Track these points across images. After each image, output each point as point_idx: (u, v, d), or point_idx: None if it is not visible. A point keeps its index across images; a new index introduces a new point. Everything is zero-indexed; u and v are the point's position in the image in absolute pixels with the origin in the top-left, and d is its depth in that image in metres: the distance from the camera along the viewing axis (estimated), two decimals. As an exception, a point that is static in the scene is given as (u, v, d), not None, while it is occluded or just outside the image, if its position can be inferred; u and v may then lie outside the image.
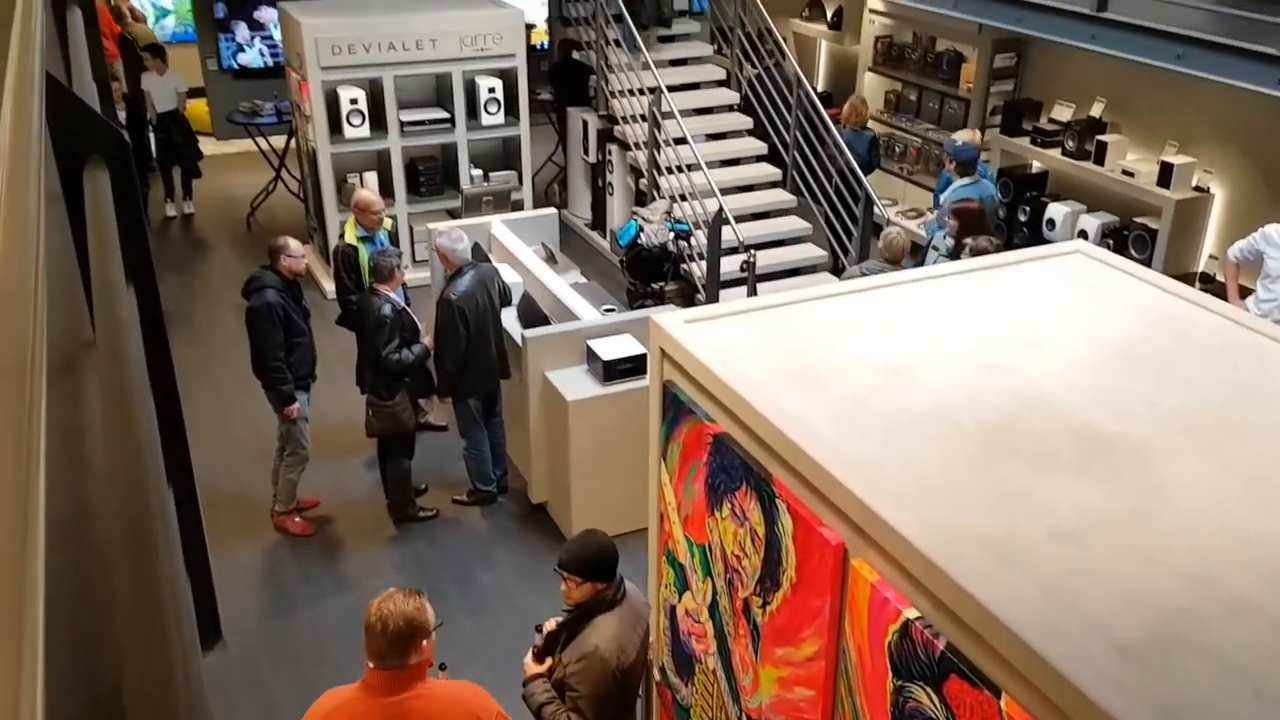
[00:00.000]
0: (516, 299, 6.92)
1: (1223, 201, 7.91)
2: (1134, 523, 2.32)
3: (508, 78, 9.58)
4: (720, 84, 10.27)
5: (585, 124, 10.29)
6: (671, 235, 8.28)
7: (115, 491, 1.20)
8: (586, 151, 10.44)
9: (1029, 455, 2.55)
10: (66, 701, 0.92)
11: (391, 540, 6.48)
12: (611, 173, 10.06)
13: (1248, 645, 1.97)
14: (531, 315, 6.87)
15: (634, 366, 6.10)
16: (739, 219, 8.38)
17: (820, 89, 11.47)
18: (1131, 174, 8.11)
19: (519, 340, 6.37)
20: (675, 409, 3.18)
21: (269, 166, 10.97)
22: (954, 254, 6.85)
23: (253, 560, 6.30)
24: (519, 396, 6.54)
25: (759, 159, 9.81)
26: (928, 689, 2.20)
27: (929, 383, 2.87)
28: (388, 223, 7.23)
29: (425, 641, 3.22)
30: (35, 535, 0.75)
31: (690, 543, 3.24)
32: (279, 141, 10.79)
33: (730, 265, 8.11)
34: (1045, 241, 8.08)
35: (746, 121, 9.94)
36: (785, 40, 10.10)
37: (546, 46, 13.70)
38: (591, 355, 6.23)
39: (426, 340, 6.26)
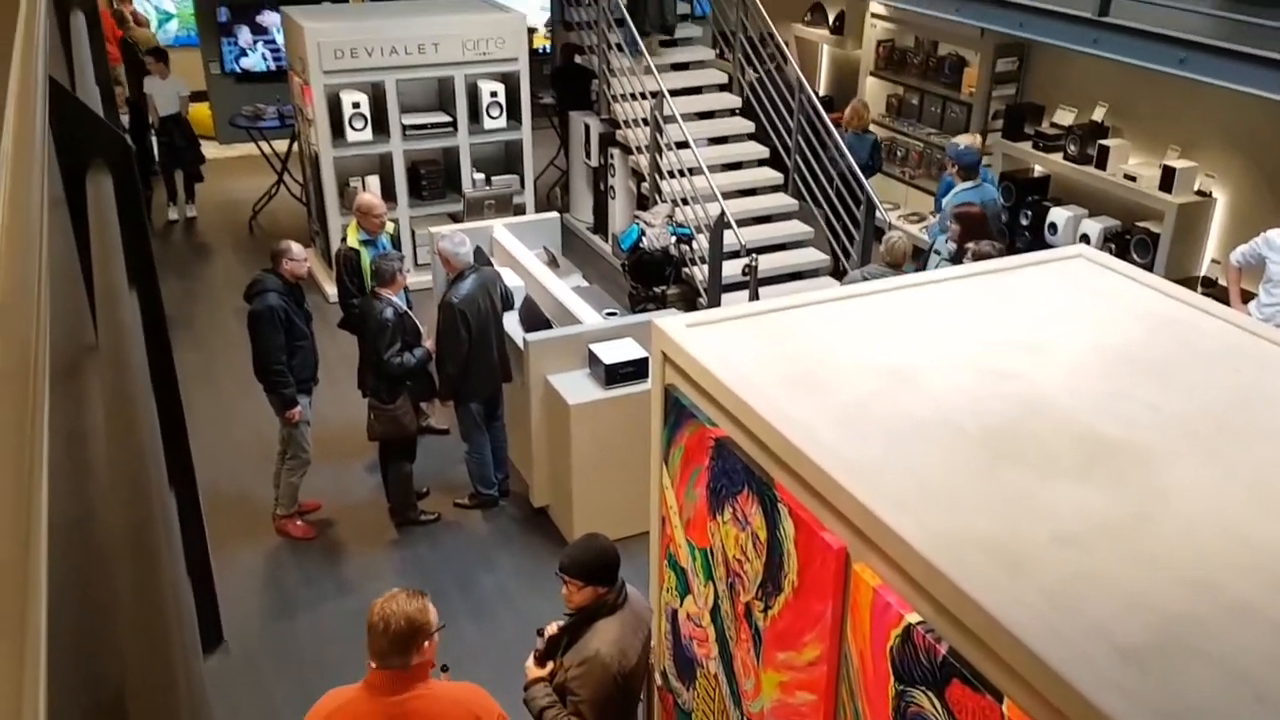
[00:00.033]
0: (518, 303, 6.93)
1: (1225, 206, 7.91)
2: (1136, 527, 2.32)
3: (510, 81, 9.59)
4: (722, 88, 10.28)
5: (587, 128, 10.30)
6: (673, 239, 8.28)
7: (118, 495, 1.20)
8: (588, 155, 10.44)
9: (1031, 460, 2.55)
10: (69, 705, 0.92)
11: (393, 544, 6.48)
12: (613, 176, 10.07)
13: (1249, 649, 1.96)
14: (533, 319, 6.87)
15: (635, 370, 6.10)
16: (741, 223, 8.38)
17: (822, 93, 11.48)
18: (1133, 178, 8.11)
19: (521, 344, 6.37)
20: (677, 413, 3.18)
21: (271, 170, 10.98)
22: (956, 258, 6.85)
23: (254, 563, 6.30)
24: (521, 400, 6.54)
25: (761, 163, 9.81)
26: (930, 694, 2.20)
27: (931, 387, 2.87)
28: (390, 226, 7.24)
29: (427, 642, 3.24)
30: (38, 539, 0.75)
31: (692, 547, 3.24)
32: (281, 145, 10.80)
33: (732, 269, 8.11)
34: (1047, 246, 8.07)
35: (748, 125, 9.94)
36: (787, 44, 10.11)
37: (548, 51, 13.72)
38: (593, 359, 6.24)
39: (428, 344, 6.26)
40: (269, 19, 13.09)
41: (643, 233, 8.23)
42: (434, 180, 9.73)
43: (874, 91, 10.84)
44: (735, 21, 9.93)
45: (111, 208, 1.67)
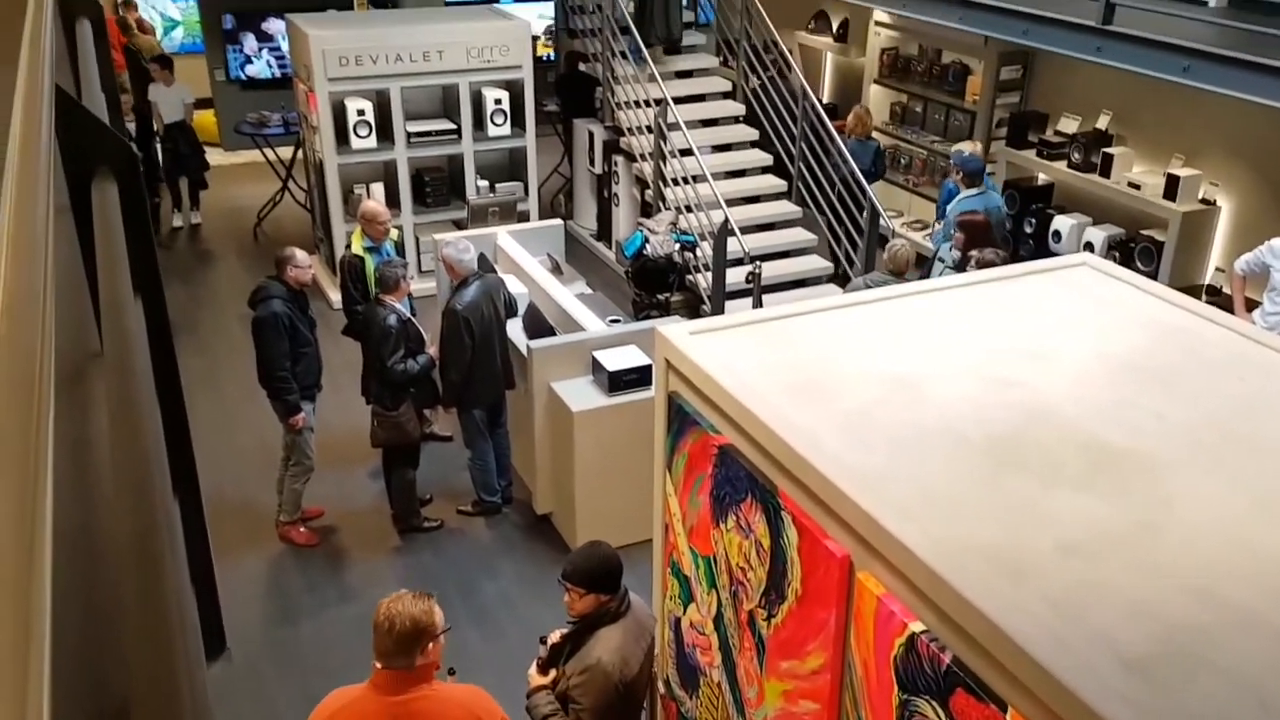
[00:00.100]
0: (522, 310, 6.93)
1: (1229, 214, 7.90)
2: (1140, 536, 2.31)
3: (514, 89, 9.61)
4: (726, 96, 10.29)
5: (591, 135, 10.32)
6: (677, 246, 8.29)
7: (122, 503, 1.20)
8: (592, 163, 10.46)
9: (1035, 468, 2.55)
10: (73, 712, 0.92)
11: (396, 550, 6.48)
12: (617, 184, 10.08)
13: (1254, 658, 1.96)
14: (537, 326, 6.87)
15: (639, 377, 6.10)
16: (744, 230, 8.39)
17: (826, 101, 11.49)
18: (1138, 186, 8.10)
19: (524, 351, 6.37)
20: (680, 420, 3.18)
21: (276, 177, 11.01)
22: (960, 266, 6.85)
23: (257, 570, 6.30)
24: (524, 407, 6.54)
25: (764, 170, 9.82)
26: (933, 703, 2.19)
27: (935, 395, 2.87)
28: (394, 233, 7.25)
29: (432, 644, 3.26)
30: (42, 546, 0.75)
31: (695, 554, 3.24)
32: (286, 152, 10.83)
33: (736, 276, 8.11)
34: (1051, 254, 8.07)
35: (752, 133, 9.95)
36: (791, 52, 10.13)
37: (553, 58, 13.76)
38: (597, 366, 6.24)
39: (432, 350, 6.27)
40: (274, 26, 13.14)
41: (646, 240, 8.24)
42: (438, 187, 9.74)
43: (878, 99, 10.85)
44: (739, 29, 9.95)
45: (117, 215, 1.67)
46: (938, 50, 10.20)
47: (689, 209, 8.72)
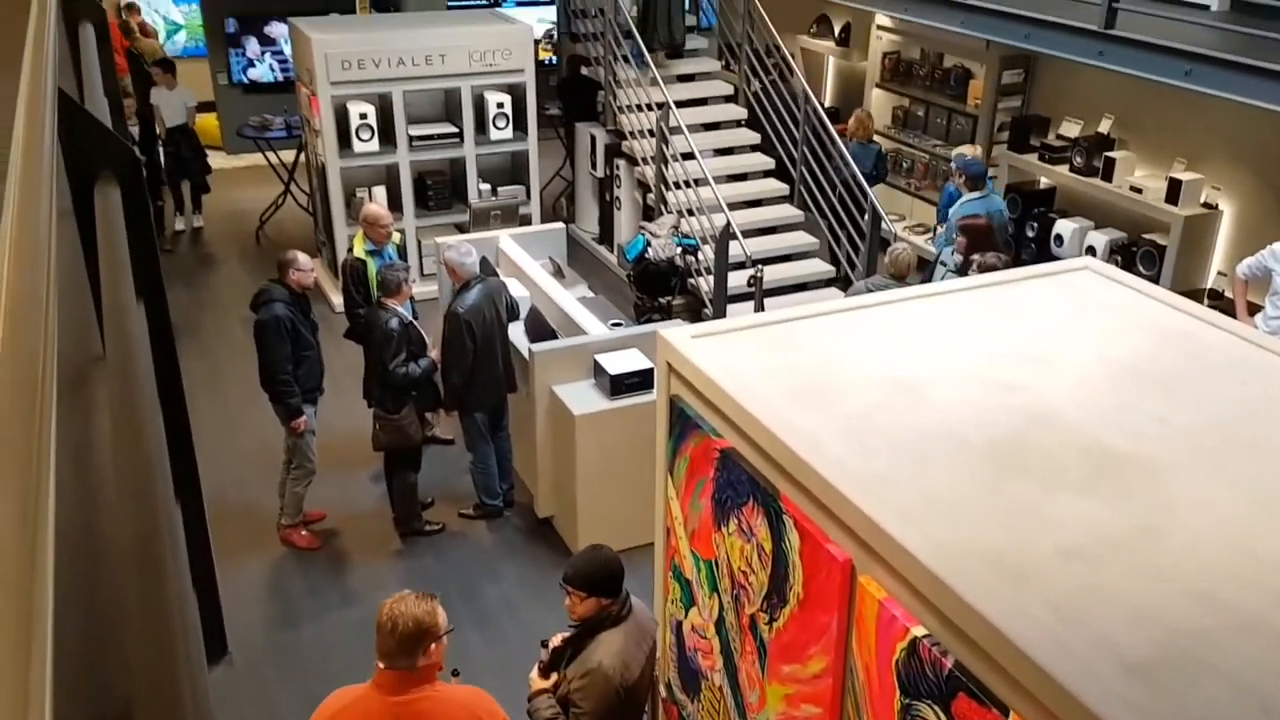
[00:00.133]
0: (524, 313, 6.94)
1: (1231, 218, 7.90)
2: (1142, 540, 2.31)
3: (516, 93, 9.62)
4: (728, 99, 10.30)
5: (593, 139, 10.32)
6: (679, 250, 8.29)
7: (124, 506, 1.20)
8: (594, 166, 10.47)
9: (1037, 472, 2.54)
10: (74, 714, 0.92)
11: (397, 554, 6.48)
12: (619, 187, 10.08)
13: (1256, 663, 1.96)
14: (539, 329, 6.88)
15: (641, 381, 6.10)
16: (746, 234, 8.39)
17: (828, 105, 11.49)
18: (1140, 190, 8.10)
19: (526, 354, 6.38)
20: (682, 424, 3.18)
21: (278, 180, 11.02)
22: (962, 270, 6.85)
23: (259, 573, 6.31)
24: (526, 410, 6.54)
25: (766, 174, 9.83)
26: (935, 707, 2.19)
27: (937, 399, 2.87)
28: (396, 237, 7.25)
29: (434, 645, 3.27)
30: (45, 548, 0.75)
31: (697, 558, 3.24)
32: (288, 155, 10.85)
33: (737, 280, 8.11)
34: (1053, 258, 8.07)
35: (754, 137, 9.96)
36: (793, 56, 10.14)
37: (554, 62, 13.77)
38: (598, 370, 6.24)
39: (433, 354, 6.27)
40: (277, 30, 13.17)
41: (648, 243, 8.24)
42: (440, 191, 9.75)
43: (879, 103, 10.86)
44: (741, 33, 9.96)
45: (119, 219, 1.67)
46: (939, 54, 10.20)
47: (691, 212, 8.73)
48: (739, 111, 10.16)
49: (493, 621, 5.90)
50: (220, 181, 11.70)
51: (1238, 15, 7.37)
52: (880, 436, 2.69)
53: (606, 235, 10.56)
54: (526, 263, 7.61)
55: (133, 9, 13.62)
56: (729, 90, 10.33)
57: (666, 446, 3.32)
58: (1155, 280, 7.23)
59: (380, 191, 9.45)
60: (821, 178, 9.02)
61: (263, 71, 13.49)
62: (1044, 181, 9.11)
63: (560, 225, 8.68)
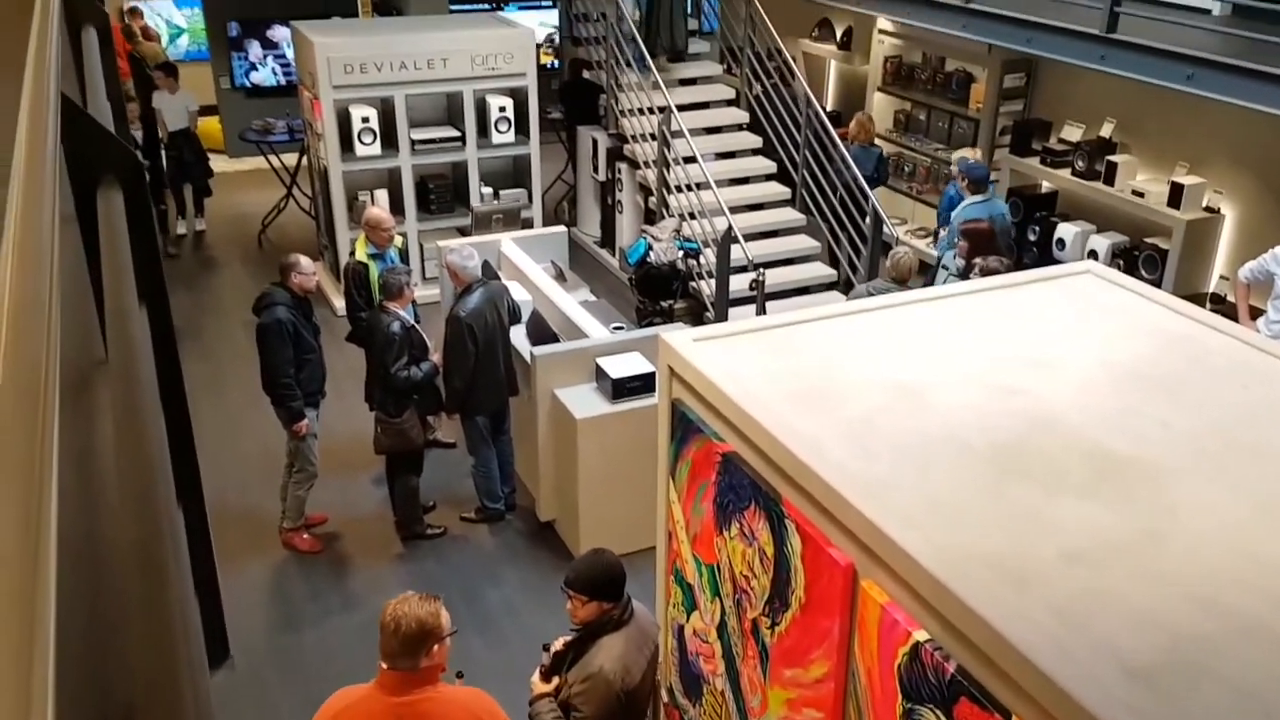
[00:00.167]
0: (526, 317, 6.94)
1: (1233, 222, 7.89)
2: (1144, 544, 2.31)
3: (518, 96, 9.63)
4: (730, 103, 10.31)
5: (595, 142, 10.33)
6: (680, 253, 8.30)
7: (126, 510, 1.21)
8: (596, 170, 10.48)
9: (1039, 476, 2.54)
10: (77, 719, 0.92)
11: (399, 557, 6.47)
12: (621, 191, 10.09)
13: (1258, 667, 1.95)
14: (541, 333, 6.88)
15: (643, 385, 6.10)
16: (748, 237, 8.40)
17: (830, 109, 11.50)
18: (1141, 194, 8.10)
19: (528, 358, 6.38)
20: (684, 427, 3.18)
21: (281, 184, 11.03)
22: (964, 274, 6.85)
23: (261, 577, 6.31)
24: (528, 414, 6.54)
25: (768, 178, 9.83)
26: (938, 712, 2.19)
27: (939, 403, 2.87)
28: (398, 240, 7.26)
29: (437, 646, 3.28)
30: (47, 552, 0.75)
31: (698, 562, 3.23)
32: (291, 159, 10.86)
33: (739, 283, 8.11)
34: (1055, 261, 8.07)
35: (756, 140, 9.97)
36: (795, 60, 10.14)
37: (556, 66, 13.79)
38: (600, 373, 6.24)
39: (435, 357, 6.27)
40: (279, 34, 13.19)
41: (650, 247, 8.24)
42: (442, 194, 9.76)
43: (881, 107, 10.86)
44: (742, 37, 9.97)
45: (122, 223, 1.68)
46: (941, 58, 10.21)
47: (693, 216, 8.73)
48: (741, 115, 10.17)
49: (494, 625, 5.90)
50: (222, 185, 11.71)
51: (1239, 19, 7.37)
52: (882, 440, 2.69)
53: (608, 239, 10.56)
54: (528, 266, 7.61)
55: (135, 13, 13.65)
56: (731, 94, 10.34)
57: (668, 450, 3.31)
58: (1157, 284, 7.23)
59: (382, 195, 9.46)
60: (823, 181, 9.02)
61: (265, 75, 13.51)
62: (1046, 185, 9.11)
63: (562, 229, 8.68)
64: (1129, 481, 2.52)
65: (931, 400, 2.88)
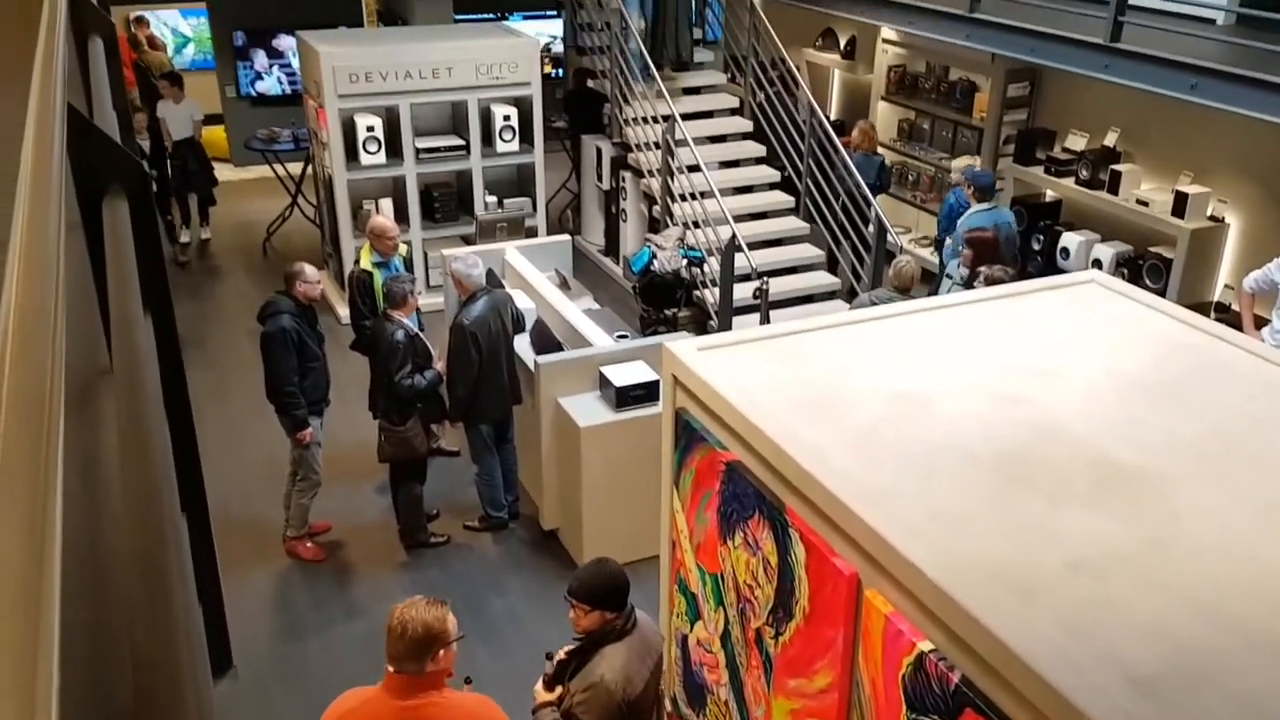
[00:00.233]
0: (530, 325, 6.94)
1: (1238, 231, 7.89)
2: (1149, 553, 2.30)
3: (523, 105, 9.65)
4: (734, 112, 10.33)
5: (599, 151, 10.35)
6: (684, 262, 8.30)
7: (130, 519, 1.21)
8: (600, 178, 10.49)
9: (1043, 485, 2.54)
10: (79, 730, 0.92)
11: (403, 566, 6.47)
12: (625, 200, 10.10)
13: (1262, 677, 1.95)
14: (544, 341, 6.88)
15: (646, 393, 6.10)
16: (752, 246, 8.40)
17: (834, 118, 11.51)
18: (1146, 203, 8.09)
19: (532, 366, 6.38)
20: (688, 436, 3.18)
21: (286, 192, 11.06)
22: (968, 283, 6.84)
23: (265, 585, 6.30)
24: (531, 422, 6.54)
25: (772, 187, 9.84)
26: (941, 722, 2.18)
27: (943, 412, 2.86)
28: (402, 249, 7.27)
29: (443, 651, 3.29)
30: (52, 560, 0.75)
31: (702, 571, 3.23)
32: (296, 168, 10.88)
33: (743, 292, 8.11)
34: (1059, 271, 8.06)
35: (759, 149, 9.98)
36: (799, 69, 10.16)
37: (561, 75, 13.82)
38: (604, 381, 6.24)
39: (439, 365, 6.28)
40: (285, 43, 13.23)
41: (654, 255, 8.25)
42: (446, 203, 9.78)
43: (885, 116, 10.87)
44: (746, 46, 9.98)
45: (128, 232, 1.68)
46: (945, 67, 10.22)
47: (696, 225, 8.74)
48: (744, 124, 10.18)
49: (498, 633, 5.89)
50: (228, 194, 11.73)
51: (1243, 29, 7.37)
52: (886, 450, 2.69)
53: (612, 247, 10.57)
54: (532, 274, 7.62)
55: (141, 22, 13.71)
56: (734, 103, 10.36)
57: (672, 459, 3.31)
58: (1162, 293, 7.22)
59: (387, 204, 9.48)
60: (828, 190, 9.03)
61: (271, 84, 13.55)
62: (1050, 194, 9.11)
63: (566, 237, 8.69)
64: (1133, 490, 2.52)
65: (936, 409, 2.88)
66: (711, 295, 8.40)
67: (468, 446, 6.65)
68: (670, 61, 9.98)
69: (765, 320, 7.61)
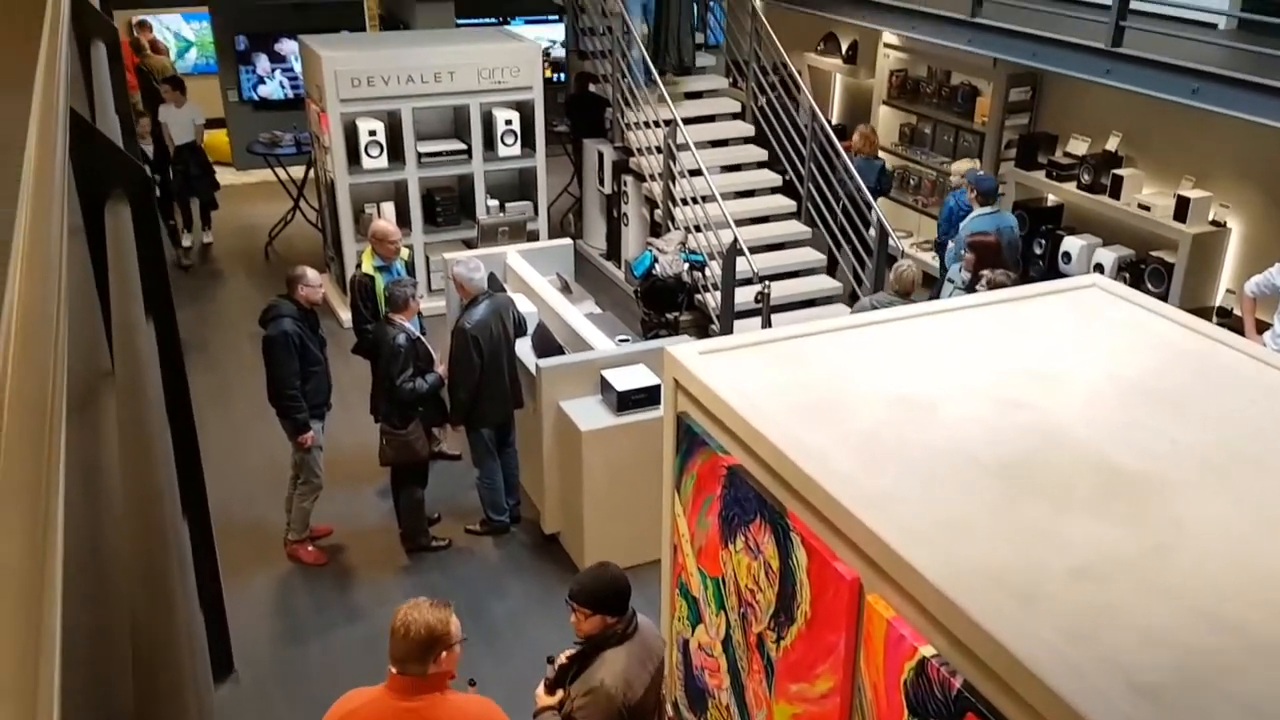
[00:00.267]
0: (531, 329, 6.94)
1: (1239, 236, 7.88)
2: (1151, 559, 2.30)
3: (524, 110, 9.66)
4: (735, 116, 10.33)
5: (601, 155, 10.36)
6: (686, 266, 8.30)
7: (132, 523, 1.21)
8: (602, 183, 10.50)
9: (1046, 490, 2.53)
10: (80, 734, 0.91)
11: (404, 570, 6.47)
12: (626, 204, 10.11)
13: (1265, 684, 1.94)
14: (546, 345, 6.88)
15: (648, 397, 6.09)
16: (753, 250, 8.40)
17: (835, 122, 11.52)
18: (1147, 208, 8.09)
19: (533, 370, 6.38)
20: (689, 440, 3.18)
21: (288, 196, 11.07)
22: (970, 287, 6.84)
23: (266, 589, 6.30)
24: (533, 426, 6.54)
25: (773, 190, 9.85)
26: (943, 727, 2.18)
27: (945, 417, 2.86)
28: (404, 252, 7.28)
29: (445, 653, 3.30)
30: (53, 564, 0.75)
31: (704, 575, 3.23)
32: (298, 172, 10.89)
33: (745, 296, 8.11)
34: (1061, 275, 8.06)
35: (761, 154, 9.99)
36: (800, 74, 10.16)
37: (563, 79, 13.83)
38: (605, 385, 6.24)
39: (441, 369, 6.28)
40: (287, 47, 13.25)
41: (655, 259, 8.25)
42: (448, 207, 9.78)
43: (887, 120, 10.88)
44: (748, 51, 9.99)
45: (130, 237, 1.68)
46: (947, 72, 10.22)
47: (698, 229, 8.74)
48: (746, 128, 10.19)
49: (499, 637, 5.89)
50: (230, 197, 11.73)
51: (1244, 34, 7.38)
52: (888, 454, 2.68)
53: (614, 251, 10.57)
54: (534, 278, 7.62)
55: (144, 26, 13.74)
56: (736, 107, 10.37)
57: (674, 463, 3.31)
58: (1163, 298, 7.22)
59: (389, 207, 9.48)
60: (829, 194, 9.03)
61: (273, 89, 13.57)
62: (1051, 199, 9.11)
63: (568, 241, 8.69)
64: (1135, 496, 2.52)
65: (937, 414, 2.87)
66: (713, 299, 8.40)
67: (469, 450, 6.65)
68: (672, 67, 10.00)
69: (767, 324, 7.61)
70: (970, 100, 9.88)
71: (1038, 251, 8.84)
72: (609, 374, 6.24)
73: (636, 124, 9.62)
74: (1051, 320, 3.47)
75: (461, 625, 3.42)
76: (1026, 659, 1.96)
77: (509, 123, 9.56)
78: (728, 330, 7.88)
